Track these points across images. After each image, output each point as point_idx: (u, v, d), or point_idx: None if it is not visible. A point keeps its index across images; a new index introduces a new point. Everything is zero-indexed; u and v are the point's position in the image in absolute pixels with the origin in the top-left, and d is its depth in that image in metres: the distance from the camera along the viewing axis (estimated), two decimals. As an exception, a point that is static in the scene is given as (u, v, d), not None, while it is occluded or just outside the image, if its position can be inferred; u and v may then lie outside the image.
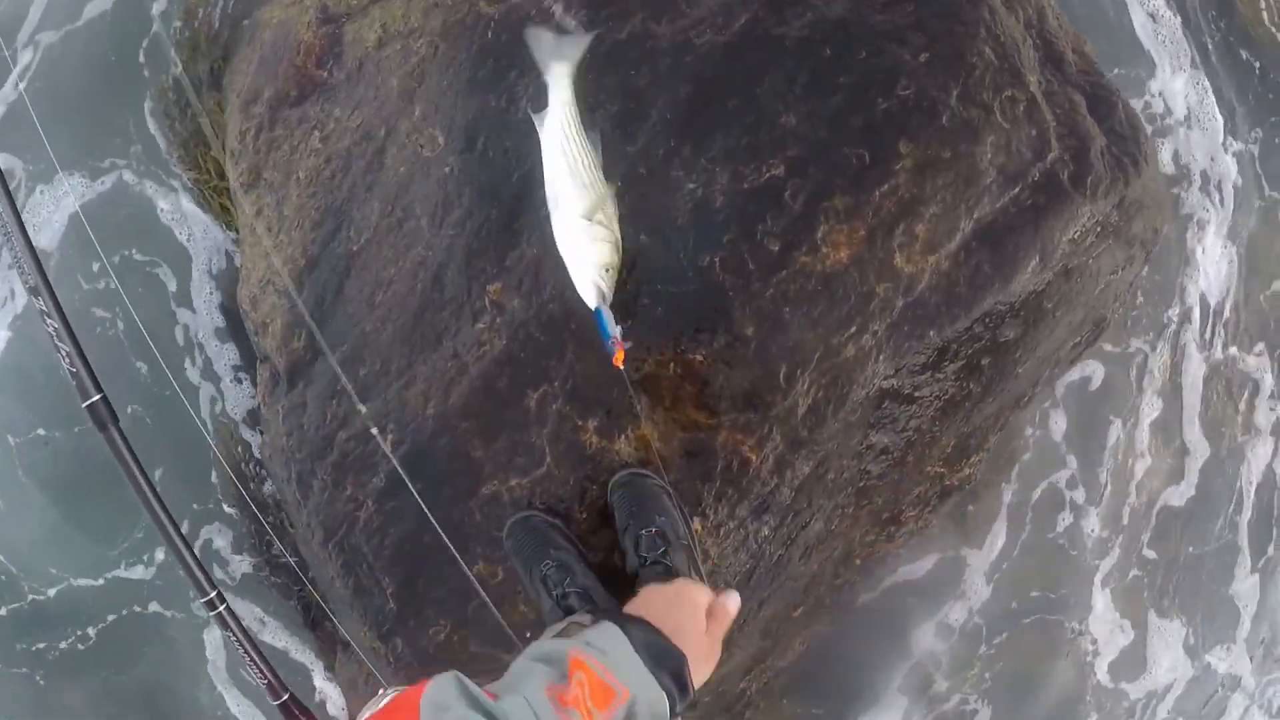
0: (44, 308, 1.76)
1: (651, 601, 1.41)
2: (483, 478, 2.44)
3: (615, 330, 2.08)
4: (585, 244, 2.11)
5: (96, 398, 1.81)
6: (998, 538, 3.57)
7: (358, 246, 2.74)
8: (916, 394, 2.49)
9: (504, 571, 2.42)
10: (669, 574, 2.08)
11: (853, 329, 2.28)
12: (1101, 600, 3.69)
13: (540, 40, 2.26)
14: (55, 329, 1.75)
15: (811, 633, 3.18)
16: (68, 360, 1.78)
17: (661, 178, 2.36)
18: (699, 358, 2.31)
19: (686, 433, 2.34)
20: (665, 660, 1.26)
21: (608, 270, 2.10)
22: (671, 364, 2.32)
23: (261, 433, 3.28)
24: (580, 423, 2.37)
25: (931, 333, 2.31)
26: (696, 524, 2.29)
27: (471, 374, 2.44)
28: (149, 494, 1.76)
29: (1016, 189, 2.32)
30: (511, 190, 2.48)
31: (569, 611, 2.10)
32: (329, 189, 2.87)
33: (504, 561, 2.40)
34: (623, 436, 2.32)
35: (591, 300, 2.10)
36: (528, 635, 2.37)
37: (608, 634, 1.26)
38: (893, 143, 2.27)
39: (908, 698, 3.61)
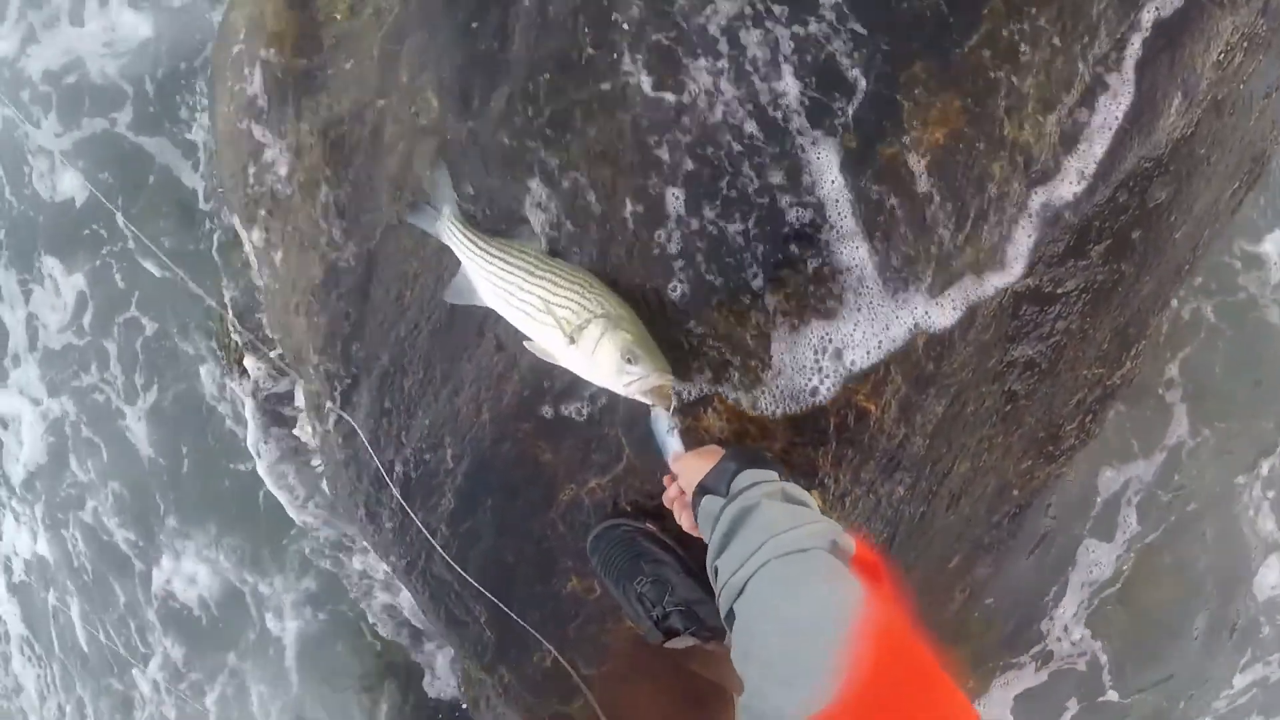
0: None
1: None
2: (558, 483, 2.10)
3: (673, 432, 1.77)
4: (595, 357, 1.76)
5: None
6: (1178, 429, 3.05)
7: (375, 243, 2.40)
8: (1059, 290, 2.05)
9: (600, 586, 2.09)
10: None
11: (967, 225, 1.85)
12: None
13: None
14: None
15: (971, 579, 2.76)
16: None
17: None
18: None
19: (785, 391, 1.93)
20: None
21: (633, 357, 1.72)
22: (751, 312, 1.91)
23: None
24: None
25: (1066, 212, 1.88)
26: (816, 497, 1.88)
27: (522, 367, 2.09)
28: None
29: (1138, 11, 1.86)
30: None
31: (670, 634, 1.79)
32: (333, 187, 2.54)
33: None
34: (710, 410, 1.92)
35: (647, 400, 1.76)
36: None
37: None
38: (973, -21, 1.81)
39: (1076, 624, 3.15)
